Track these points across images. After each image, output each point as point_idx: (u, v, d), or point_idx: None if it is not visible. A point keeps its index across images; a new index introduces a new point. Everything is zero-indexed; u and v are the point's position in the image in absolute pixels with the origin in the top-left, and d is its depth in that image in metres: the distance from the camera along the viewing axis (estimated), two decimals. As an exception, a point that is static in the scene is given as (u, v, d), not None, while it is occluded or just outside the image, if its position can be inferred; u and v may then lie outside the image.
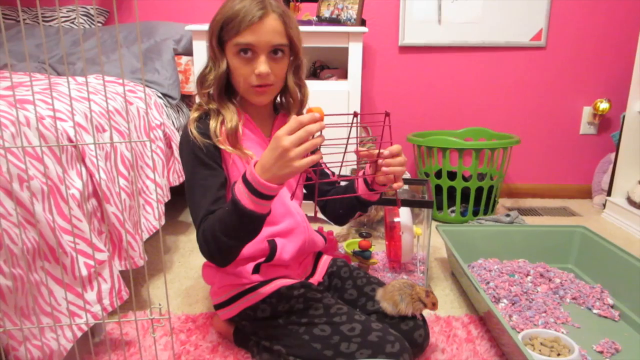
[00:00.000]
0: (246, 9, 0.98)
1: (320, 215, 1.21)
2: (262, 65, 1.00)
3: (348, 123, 0.85)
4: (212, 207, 0.98)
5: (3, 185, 0.90)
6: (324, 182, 1.21)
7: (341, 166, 0.90)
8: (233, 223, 0.89)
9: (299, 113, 1.15)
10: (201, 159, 1.03)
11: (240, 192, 0.87)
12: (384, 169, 0.97)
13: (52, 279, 0.99)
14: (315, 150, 0.83)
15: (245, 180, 0.86)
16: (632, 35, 2.26)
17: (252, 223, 0.90)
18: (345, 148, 0.85)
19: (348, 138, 0.84)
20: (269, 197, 0.87)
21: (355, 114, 0.85)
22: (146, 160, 1.52)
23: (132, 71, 1.89)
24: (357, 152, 0.97)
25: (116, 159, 1.32)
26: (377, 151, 0.98)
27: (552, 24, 2.34)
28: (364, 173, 1.08)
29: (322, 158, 1.16)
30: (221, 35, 1.02)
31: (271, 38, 1.00)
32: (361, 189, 1.09)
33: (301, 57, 1.10)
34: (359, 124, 0.87)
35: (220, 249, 0.95)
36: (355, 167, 1.12)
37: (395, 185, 0.99)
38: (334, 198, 1.16)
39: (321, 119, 0.82)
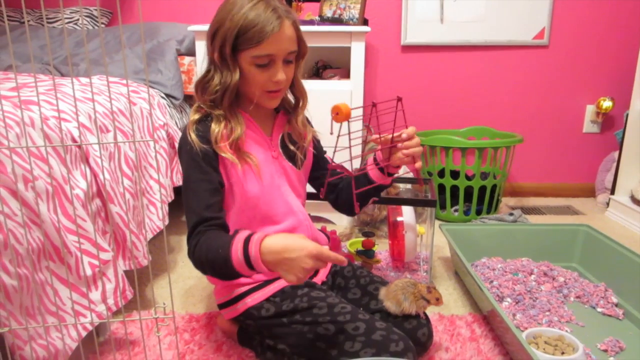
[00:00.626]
0: (263, 18, 0.96)
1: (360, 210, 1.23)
2: (280, 73, 1.01)
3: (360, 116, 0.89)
4: (205, 213, 1.00)
5: (8, 185, 0.91)
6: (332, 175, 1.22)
7: (351, 159, 0.93)
8: (221, 266, 0.94)
9: (303, 111, 1.17)
10: (197, 162, 1.02)
11: (236, 254, 0.90)
12: (403, 151, 1.02)
13: (57, 278, 1.00)
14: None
15: (245, 252, 0.90)
16: (635, 33, 2.26)
17: (237, 275, 0.95)
18: (365, 140, 0.90)
19: (369, 121, 0.91)
20: (258, 271, 0.92)
21: (373, 104, 0.88)
22: (150, 160, 1.53)
23: (135, 72, 1.89)
24: (374, 140, 1.01)
25: (120, 159, 1.33)
26: (390, 136, 1.02)
27: (554, 22, 2.33)
28: (374, 159, 1.11)
29: (326, 152, 1.17)
30: (236, 45, 0.98)
31: (288, 45, 1.01)
32: (374, 174, 1.11)
33: (304, 58, 1.12)
34: (377, 114, 0.90)
35: (207, 273, 1.04)
36: (368, 155, 1.16)
37: (417, 165, 1.04)
38: (344, 188, 1.20)
39: (349, 114, 0.88)
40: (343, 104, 0.87)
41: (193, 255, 0.98)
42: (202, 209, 1.00)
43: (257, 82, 1.02)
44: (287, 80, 1.05)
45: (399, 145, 1.02)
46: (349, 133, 0.88)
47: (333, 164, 1.03)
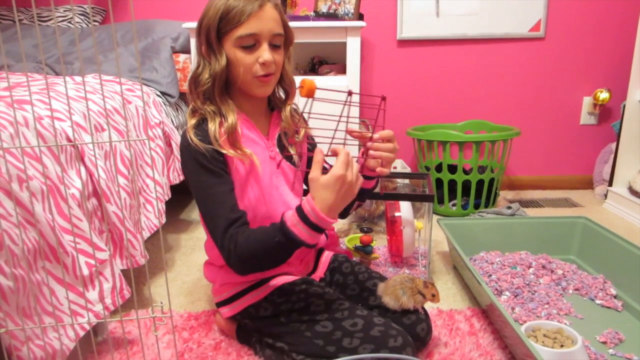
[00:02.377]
0: (243, 1, 0.98)
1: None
2: (266, 53, 1.00)
3: (342, 101, 0.86)
4: (231, 215, 0.98)
5: (3, 185, 0.90)
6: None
7: (331, 143, 0.93)
8: (285, 252, 0.96)
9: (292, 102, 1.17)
10: (206, 167, 1.00)
11: (301, 231, 0.92)
12: (371, 152, 1.00)
13: (54, 278, 0.99)
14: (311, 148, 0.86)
15: (309, 222, 0.91)
16: (631, 24, 2.25)
17: (297, 249, 0.96)
18: (337, 126, 0.87)
19: (340, 117, 0.87)
20: (326, 229, 0.94)
21: (349, 93, 0.86)
22: (146, 158, 1.52)
23: (130, 70, 1.88)
24: (349, 131, 0.98)
25: (115, 158, 1.32)
26: (369, 134, 0.99)
27: (550, 14, 2.33)
28: (364, 149, 1.08)
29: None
30: (219, 29, 1.00)
31: (272, 26, 1.01)
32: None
33: (292, 48, 1.11)
34: (351, 102, 0.88)
35: (259, 268, 1.02)
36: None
37: (378, 169, 1.02)
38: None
39: (313, 90, 0.87)
40: (309, 80, 0.87)
41: (237, 256, 0.96)
42: (227, 211, 0.98)
43: (245, 65, 1.01)
44: (277, 65, 1.04)
45: (368, 144, 1.00)
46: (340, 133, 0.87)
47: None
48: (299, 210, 0.92)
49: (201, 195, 1.02)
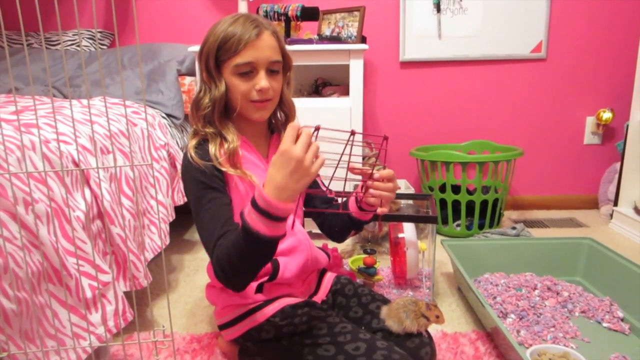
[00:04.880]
0: (241, 29, 1.00)
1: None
2: (263, 81, 1.02)
3: (345, 140, 0.86)
4: (223, 229, 0.96)
5: (8, 209, 0.91)
6: (322, 199, 1.23)
7: (330, 181, 0.89)
8: (249, 250, 0.88)
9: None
10: (204, 183, 1.02)
11: (253, 219, 0.85)
12: (371, 191, 1.01)
13: (57, 301, 0.99)
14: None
15: (257, 207, 0.84)
16: (632, 43, 2.27)
17: (267, 247, 0.89)
18: (337, 164, 0.86)
19: (341, 154, 0.85)
20: (285, 218, 0.86)
21: (352, 132, 0.86)
22: (150, 180, 1.53)
23: (136, 92, 1.91)
24: (351, 168, 0.96)
25: (120, 180, 1.33)
26: (370, 171, 1.00)
27: (551, 35, 2.35)
28: (363, 184, 1.08)
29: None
30: (218, 57, 1.03)
31: (269, 54, 1.03)
32: (353, 207, 1.11)
33: (291, 72, 1.13)
34: (353, 142, 0.87)
35: (237, 274, 0.93)
36: (356, 184, 1.14)
37: (379, 210, 1.02)
38: (329, 215, 1.18)
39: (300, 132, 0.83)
40: (295, 125, 0.83)
41: (219, 266, 0.93)
42: (220, 226, 0.96)
43: (242, 92, 1.03)
44: (274, 91, 1.06)
45: (369, 183, 1.01)
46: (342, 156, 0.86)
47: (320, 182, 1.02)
48: (254, 203, 0.85)
49: (197, 211, 1.02)
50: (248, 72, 1.02)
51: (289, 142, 0.81)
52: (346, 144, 0.86)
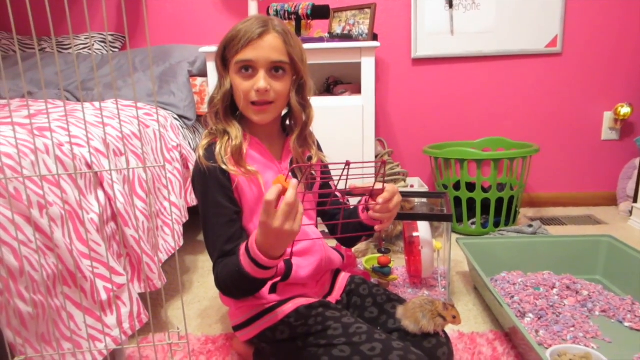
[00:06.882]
0: (247, 27, 1.02)
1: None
2: (261, 81, 1.02)
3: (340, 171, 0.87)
4: (225, 247, 1.03)
5: (23, 212, 0.91)
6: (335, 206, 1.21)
7: (327, 207, 0.96)
8: (242, 282, 0.95)
9: (304, 133, 1.15)
10: (212, 196, 1.04)
11: (246, 261, 0.91)
12: (371, 213, 1.02)
13: (72, 303, 1.00)
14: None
15: (249, 253, 0.91)
16: (651, 37, 2.22)
17: (258, 283, 0.96)
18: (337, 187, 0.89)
19: (339, 181, 0.89)
20: (274, 267, 0.92)
21: (347, 163, 0.85)
22: (164, 182, 1.53)
23: (148, 94, 1.92)
24: (352, 188, 1.00)
25: (133, 182, 1.34)
26: (370, 188, 1.00)
27: (567, 29, 2.31)
28: (365, 201, 1.08)
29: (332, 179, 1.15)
30: (224, 54, 1.06)
31: (270, 54, 1.02)
32: (362, 216, 1.10)
33: (304, 77, 1.11)
34: (348, 175, 0.88)
35: (234, 295, 1.07)
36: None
37: (377, 227, 1.04)
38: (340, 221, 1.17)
39: (285, 189, 0.84)
40: (280, 177, 0.85)
41: (219, 285, 1.03)
42: (223, 243, 1.03)
43: (242, 90, 1.04)
44: (276, 93, 1.06)
45: (370, 204, 1.02)
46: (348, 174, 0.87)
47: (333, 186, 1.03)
48: (247, 250, 0.92)
49: (204, 222, 1.07)
50: (249, 71, 1.03)
51: (265, 216, 0.83)
52: (340, 177, 0.89)
